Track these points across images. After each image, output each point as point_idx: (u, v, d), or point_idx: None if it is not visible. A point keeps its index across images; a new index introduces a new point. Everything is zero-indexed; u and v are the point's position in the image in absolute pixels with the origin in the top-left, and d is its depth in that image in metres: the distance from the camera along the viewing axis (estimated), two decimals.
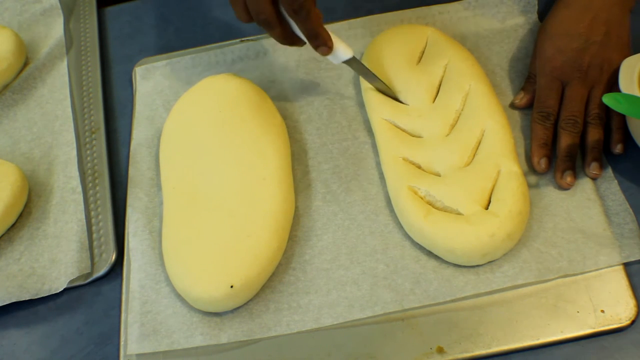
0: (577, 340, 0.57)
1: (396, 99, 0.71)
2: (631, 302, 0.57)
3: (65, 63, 0.83)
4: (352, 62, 0.69)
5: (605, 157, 0.65)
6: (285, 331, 0.60)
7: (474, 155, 0.65)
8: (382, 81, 0.71)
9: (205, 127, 0.70)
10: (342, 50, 0.67)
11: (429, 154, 0.66)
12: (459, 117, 0.68)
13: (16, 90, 0.82)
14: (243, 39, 0.82)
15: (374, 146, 0.70)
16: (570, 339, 0.57)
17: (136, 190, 0.71)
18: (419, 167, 0.66)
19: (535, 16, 0.77)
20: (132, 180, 0.72)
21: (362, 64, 0.70)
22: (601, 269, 0.59)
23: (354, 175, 0.69)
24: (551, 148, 0.66)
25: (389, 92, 0.71)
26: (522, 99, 0.70)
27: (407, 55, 0.74)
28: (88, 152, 0.76)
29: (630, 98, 0.58)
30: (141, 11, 0.90)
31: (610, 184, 0.64)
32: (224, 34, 0.84)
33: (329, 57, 0.67)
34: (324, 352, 0.59)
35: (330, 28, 0.79)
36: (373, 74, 0.71)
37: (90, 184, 0.73)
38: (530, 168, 0.66)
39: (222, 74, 0.75)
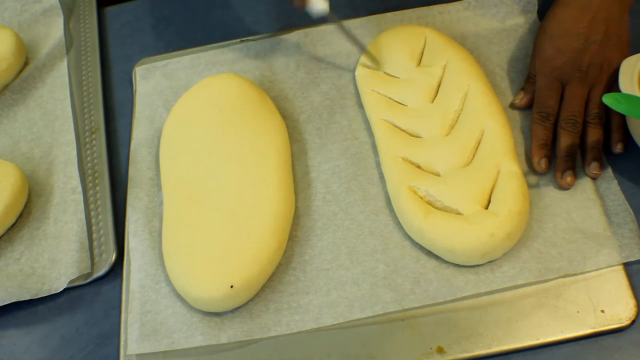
0: (577, 340, 0.57)
1: (379, 66, 0.74)
2: (631, 302, 0.57)
3: (65, 63, 0.83)
4: (330, 18, 0.71)
5: (605, 157, 0.65)
6: (285, 331, 0.60)
7: (473, 155, 0.65)
8: (364, 45, 0.74)
9: (205, 127, 0.70)
10: (316, 3, 0.70)
11: (429, 153, 0.66)
12: (458, 117, 0.68)
13: (16, 90, 0.82)
14: (243, 39, 0.82)
15: (374, 146, 0.70)
16: (570, 339, 0.57)
17: (136, 190, 0.71)
18: (419, 167, 0.66)
19: (535, 16, 0.77)
20: (132, 180, 0.72)
21: (340, 22, 0.73)
22: (601, 269, 0.59)
23: (354, 175, 0.69)
24: (551, 148, 0.66)
25: (372, 57, 0.74)
26: (521, 99, 0.70)
27: (406, 55, 0.74)
28: (88, 152, 0.76)
29: (630, 98, 0.58)
30: (141, 11, 0.90)
31: (610, 184, 0.64)
32: (224, 34, 0.84)
33: (308, 10, 0.70)
34: (324, 352, 0.59)
35: (330, 28, 0.80)
36: (352, 35, 0.74)
37: (90, 184, 0.73)
38: (530, 168, 0.66)
39: (222, 74, 0.75)
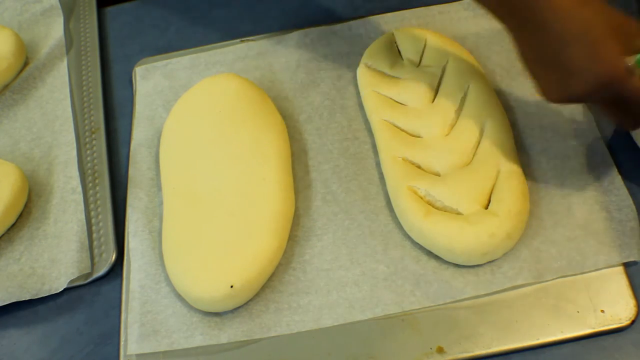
0: (577, 340, 0.57)
1: None
2: (631, 302, 0.57)
3: (65, 63, 0.83)
4: None
5: (607, 155, 0.65)
6: (285, 331, 0.60)
7: (473, 155, 0.65)
8: None
9: (205, 127, 0.70)
10: None
11: (429, 153, 0.66)
12: (458, 116, 0.68)
13: (16, 90, 0.82)
14: (243, 39, 0.82)
15: (374, 146, 0.70)
16: (570, 339, 0.57)
17: (136, 190, 0.71)
18: (419, 167, 0.66)
19: None
20: (132, 180, 0.72)
21: None
22: (600, 269, 0.59)
23: (354, 175, 0.69)
24: None
25: None
26: None
27: (406, 57, 0.74)
28: (88, 152, 0.76)
29: None
30: (141, 11, 0.90)
31: (614, 179, 0.63)
32: (224, 34, 0.84)
33: None
34: (324, 352, 0.59)
35: (330, 28, 0.80)
36: None
37: (90, 184, 0.73)
38: (530, 167, 0.66)
39: (222, 74, 0.75)
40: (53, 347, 0.64)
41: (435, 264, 0.62)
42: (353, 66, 0.77)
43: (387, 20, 0.80)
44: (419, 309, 0.60)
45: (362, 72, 0.74)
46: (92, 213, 0.71)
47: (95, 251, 0.68)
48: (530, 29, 0.54)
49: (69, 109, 0.78)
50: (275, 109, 0.73)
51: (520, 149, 0.67)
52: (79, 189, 0.71)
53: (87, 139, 0.77)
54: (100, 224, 0.70)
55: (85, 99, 0.81)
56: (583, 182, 0.64)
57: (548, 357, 0.57)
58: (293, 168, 0.70)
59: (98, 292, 0.67)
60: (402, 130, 0.69)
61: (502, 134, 0.65)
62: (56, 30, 0.86)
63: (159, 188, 0.71)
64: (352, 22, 0.80)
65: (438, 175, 0.65)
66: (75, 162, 0.74)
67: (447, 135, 0.67)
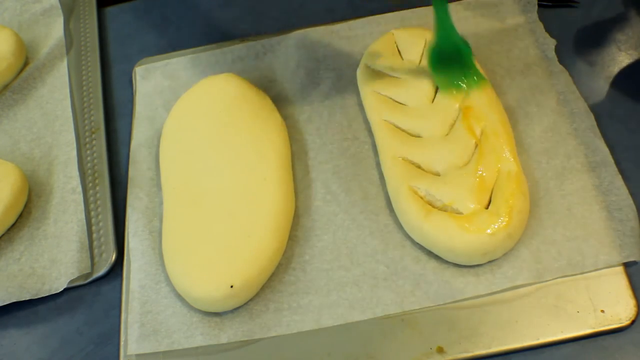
0: (577, 340, 0.57)
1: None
2: (631, 302, 0.57)
3: (65, 63, 0.83)
4: None
5: (607, 155, 0.65)
6: (285, 331, 0.60)
7: (473, 155, 0.65)
8: None
9: (205, 127, 0.70)
10: None
11: (429, 153, 0.66)
12: (458, 116, 0.68)
13: (16, 90, 0.82)
14: (243, 39, 0.82)
15: (374, 146, 0.70)
16: (570, 339, 0.57)
17: (136, 190, 0.71)
18: (419, 166, 0.66)
19: (535, 16, 0.77)
20: (132, 180, 0.72)
21: None
22: (601, 269, 0.59)
23: (354, 175, 0.69)
24: None
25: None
26: None
27: (406, 57, 0.74)
28: (88, 152, 0.76)
29: None
30: (141, 11, 0.90)
31: (614, 179, 0.63)
32: (224, 34, 0.84)
33: None
34: (324, 352, 0.59)
35: (330, 28, 0.80)
36: None
37: (90, 184, 0.73)
38: (530, 167, 0.66)
39: (222, 74, 0.75)
40: (53, 347, 0.64)
41: (435, 264, 0.62)
42: (353, 66, 0.77)
43: (387, 20, 0.80)
44: (419, 309, 0.60)
45: (362, 72, 0.74)
46: (92, 213, 0.71)
47: (95, 251, 0.68)
48: None
49: (69, 109, 0.78)
50: (275, 109, 0.73)
51: (520, 149, 0.67)
52: (79, 189, 0.71)
53: (87, 139, 0.77)
54: (100, 224, 0.70)
55: (85, 99, 0.81)
56: (583, 182, 0.64)
57: (548, 357, 0.57)
58: (293, 168, 0.70)
59: (98, 292, 0.67)
60: (402, 130, 0.69)
61: (502, 133, 0.65)
62: (56, 30, 0.86)
63: (159, 188, 0.71)
64: (352, 22, 0.80)
65: (438, 175, 0.65)
66: (75, 162, 0.74)
67: (447, 135, 0.67)
